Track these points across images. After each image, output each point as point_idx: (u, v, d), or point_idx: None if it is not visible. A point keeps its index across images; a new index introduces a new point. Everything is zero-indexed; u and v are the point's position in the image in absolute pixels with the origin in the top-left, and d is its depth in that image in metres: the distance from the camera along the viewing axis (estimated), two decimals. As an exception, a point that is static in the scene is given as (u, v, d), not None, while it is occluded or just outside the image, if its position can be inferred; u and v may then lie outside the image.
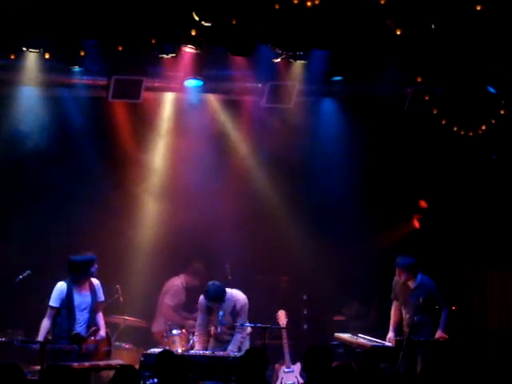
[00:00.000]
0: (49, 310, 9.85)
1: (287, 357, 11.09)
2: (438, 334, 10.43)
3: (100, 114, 11.99)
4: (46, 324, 9.82)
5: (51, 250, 11.72)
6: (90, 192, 12.03)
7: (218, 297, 10.49)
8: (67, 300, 9.85)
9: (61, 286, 9.91)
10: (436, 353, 10.40)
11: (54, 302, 9.85)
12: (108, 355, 10.03)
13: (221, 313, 10.49)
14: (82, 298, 9.92)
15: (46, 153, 11.75)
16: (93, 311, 9.96)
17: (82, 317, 9.89)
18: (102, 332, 9.96)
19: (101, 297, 10.13)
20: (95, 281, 10.08)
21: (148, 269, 12.32)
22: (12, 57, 10.50)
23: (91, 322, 9.93)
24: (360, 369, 7.11)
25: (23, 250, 11.74)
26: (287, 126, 12.27)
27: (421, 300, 10.30)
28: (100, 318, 10.07)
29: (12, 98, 11.43)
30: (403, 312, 10.71)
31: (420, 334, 10.42)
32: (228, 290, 10.64)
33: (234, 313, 10.56)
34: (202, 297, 10.71)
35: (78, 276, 9.88)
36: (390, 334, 10.66)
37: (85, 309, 9.91)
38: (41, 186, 11.84)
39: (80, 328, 9.83)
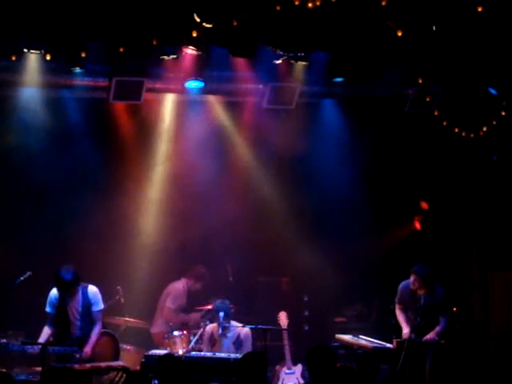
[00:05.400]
0: (47, 316, 9.94)
1: (288, 358, 11.08)
2: (430, 335, 10.45)
3: (101, 115, 11.99)
4: (46, 329, 9.89)
5: (52, 251, 11.73)
6: (90, 193, 12.03)
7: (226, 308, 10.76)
8: (60, 305, 9.85)
9: (53, 291, 9.94)
10: (437, 354, 10.40)
11: (47, 307, 9.95)
12: (115, 358, 10.02)
13: (224, 342, 10.68)
14: (73, 304, 9.90)
15: (47, 154, 11.74)
16: (86, 318, 9.91)
17: (77, 321, 9.88)
18: (87, 349, 9.79)
19: (97, 305, 9.97)
20: (92, 288, 9.98)
21: (149, 270, 12.33)
22: (13, 58, 10.49)
23: (86, 329, 9.90)
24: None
25: (23, 251, 11.74)
26: (288, 127, 12.26)
27: (422, 302, 10.31)
28: (94, 331, 9.89)
29: (13, 99, 11.44)
30: (409, 315, 10.67)
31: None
32: (233, 321, 10.86)
33: (238, 342, 10.75)
34: (208, 327, 10.94)
35: (62, 291, 9.86)
36: (407, 330, 10.49)
37: (78, 314, 9.90)
38: (41, 187, 11.83)
39: (78, 332, 9.84)
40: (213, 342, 10.85)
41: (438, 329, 10.48)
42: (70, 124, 11.93)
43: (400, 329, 10.78)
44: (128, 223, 12.41)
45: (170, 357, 7.52)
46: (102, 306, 10.06)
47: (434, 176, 12.99)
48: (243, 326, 10.80)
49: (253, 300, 12.77)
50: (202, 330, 11.04)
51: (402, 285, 10.80)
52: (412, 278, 10.58)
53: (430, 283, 10.54)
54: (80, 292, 9.90)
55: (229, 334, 10.76)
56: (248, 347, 10.74)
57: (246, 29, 10.11)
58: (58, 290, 9.82)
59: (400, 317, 10.74)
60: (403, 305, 10.75)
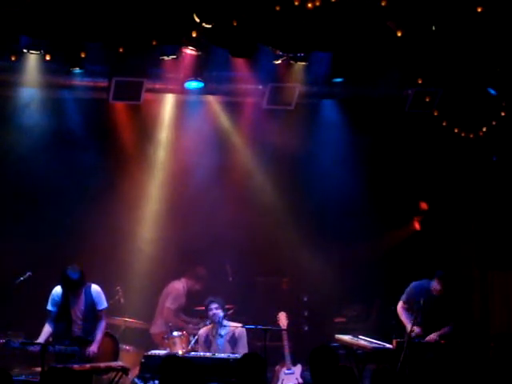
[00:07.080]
0: (48, 314, 9.92)
1: (288, 358, 11.10)
2: (431, 336, 10.45)
3: (101, 115, 11.99)
4: (46, 327, 9.89)
5: (52, 251, 11.73)
6: (91, 194, 12.03)
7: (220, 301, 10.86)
8: (63, 304, 9.85)
9: (56, 290, 9.95)
10: (437, 354, 10.40)
11: (49, 305, 9.95)
12: (115, 358, 10.02)
13: (220, 342, 10.72)
14: (76, 303, 9.91)
15: (47, 154, 11.75)
16: (89, 318, 9.93)
17: (79, 320, 9.88)
18: (93, 347, 9.83)
19: (101, 304, 10.03)
20: (95, 288, 10.03)
21: (149, 270, 12.33)
22: (13, 58, 10.50)
23: (89, 328, 9.91)
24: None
25: (23, 251, 11.74)
26: (288, 127, 12.26)
27: (421, 302, 10.31)
28: (99, 329, 9.93)
29: (13, 99, 11.44)
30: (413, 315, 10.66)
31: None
32: (226, 321, 10.96)
33: (233, 340, 10.82)
34: (201, 330, 11.02)
35: (68, 289, 9.87)
36: (415, 327, 10.42)
37: (80, 313, 9.90)
38: (41, 187, 11.84)
39: (79, 331, 9.84)
40: (208, 343, 10.90)
41: (442, 331, 10.51)
42: (70, 124, 11.93)
43: (400, 329, 10.78)
44: (128, 223, 12.41)
45: (173, 358, 7.51)
46: (105, 304, 10.12)
47: (433, 176, 12.98)
48: (242, 327, 10.81)
49: (252, 300, 12.76)
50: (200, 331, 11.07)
51: (414, 285, 10.83)
52: (438, 285, 10.62)
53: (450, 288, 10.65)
54: (83, 291, 9.93)
55: (223, 333, 10.79)
56: (243, 344, 10.79)
57: (246, 29, 10.10)
58: (64, 288, 9.83)
59: (403, 315, 10.77)
60: (408, 304, 10.77)
